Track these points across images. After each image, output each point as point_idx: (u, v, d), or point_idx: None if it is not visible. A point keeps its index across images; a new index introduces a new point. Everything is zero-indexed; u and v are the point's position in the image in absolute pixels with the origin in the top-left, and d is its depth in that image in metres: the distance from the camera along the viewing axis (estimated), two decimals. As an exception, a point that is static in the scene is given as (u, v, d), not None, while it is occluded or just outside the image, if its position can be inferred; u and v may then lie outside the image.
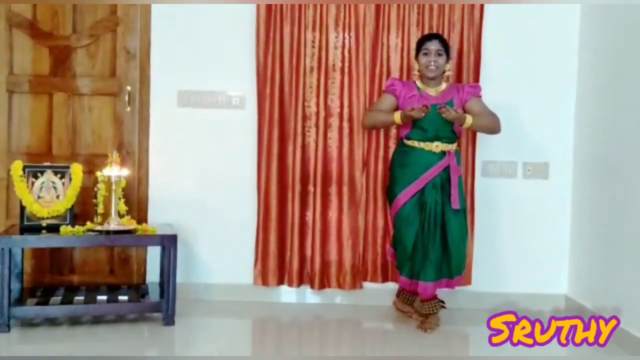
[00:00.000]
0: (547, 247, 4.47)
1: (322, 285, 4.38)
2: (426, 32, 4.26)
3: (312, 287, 4.37)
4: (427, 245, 3.85)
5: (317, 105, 4.32)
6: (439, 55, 3.89)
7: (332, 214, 4.36)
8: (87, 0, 4.30)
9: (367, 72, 4.32)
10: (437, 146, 3.87)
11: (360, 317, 4.23)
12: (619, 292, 3.80)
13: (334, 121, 4.33)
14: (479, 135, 4.32)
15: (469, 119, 3.82)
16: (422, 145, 3.88)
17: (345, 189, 4.33)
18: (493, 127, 3.96)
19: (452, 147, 3.93)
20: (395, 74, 4.30)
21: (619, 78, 3.92)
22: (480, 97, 3.98)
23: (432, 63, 3.88)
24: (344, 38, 4.32)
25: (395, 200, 3.93)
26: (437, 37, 3.96)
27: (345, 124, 4.32)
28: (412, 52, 4.15)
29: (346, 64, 4.32)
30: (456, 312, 4.31)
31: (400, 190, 3.90)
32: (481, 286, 4.39)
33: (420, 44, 3.96)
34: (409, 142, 3.93)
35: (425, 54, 3.90)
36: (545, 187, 4.46)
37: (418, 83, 4.00)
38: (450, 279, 3.92)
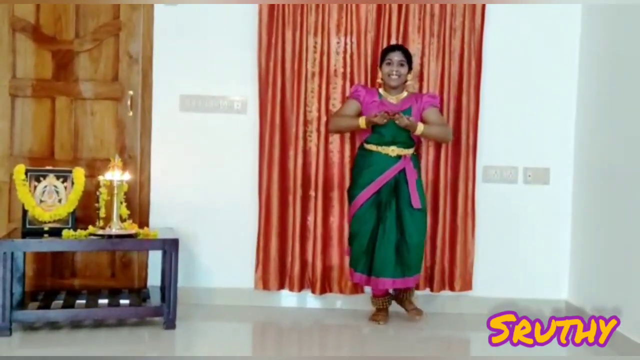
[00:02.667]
0: (548, 252, 4.47)
1: (323, 290, 4.38)
2: (427, 38, 4.33)
3: (313, 291, 4.37)
4: (383, 244, 3.97)
5: (319, 110, 4.34)
6: (401, 65, 4.05)
7: (334, 219, 4.37)
8: (88, 0, 4.32)
9: (369, 78, 4.33)
10: (393, 150, 4.04)
11: (361, 322, 4.21)
12: (620, 298, 3.79)
13: (335, 126, 4.35)
14: (480, 140, 4.37)
15: (420, 127, 3.99)
16: (379, 149, 4.05)
17: (346, 194, 4.33)
18: (443, 137, 4.18)
19: (408, 151, 4.08)
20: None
21: (620, 82, 3.93)
22: (437, 107, 4.14)
23: (395, 72, 4.04)
24: (345, 43, 4.34)
25: (353, 202, 4.08)
26: (400, 48, 4.11)
27: (347, 129, 4.34)
28: (414, 58, 4.19)
29: (347, 69, 4.34)
30: (457, 317, 4.33)
31: (358, 192, 4.06)
32: (482, 291, 4.40)
33: (384, 54, 4.10)
34: (368, 146, 4.09)
35: (388, 64, 4.06)
36: (546, 193, 4.46)
37: (381, 90, 4.14)
38: (405, 278, 4.02)
